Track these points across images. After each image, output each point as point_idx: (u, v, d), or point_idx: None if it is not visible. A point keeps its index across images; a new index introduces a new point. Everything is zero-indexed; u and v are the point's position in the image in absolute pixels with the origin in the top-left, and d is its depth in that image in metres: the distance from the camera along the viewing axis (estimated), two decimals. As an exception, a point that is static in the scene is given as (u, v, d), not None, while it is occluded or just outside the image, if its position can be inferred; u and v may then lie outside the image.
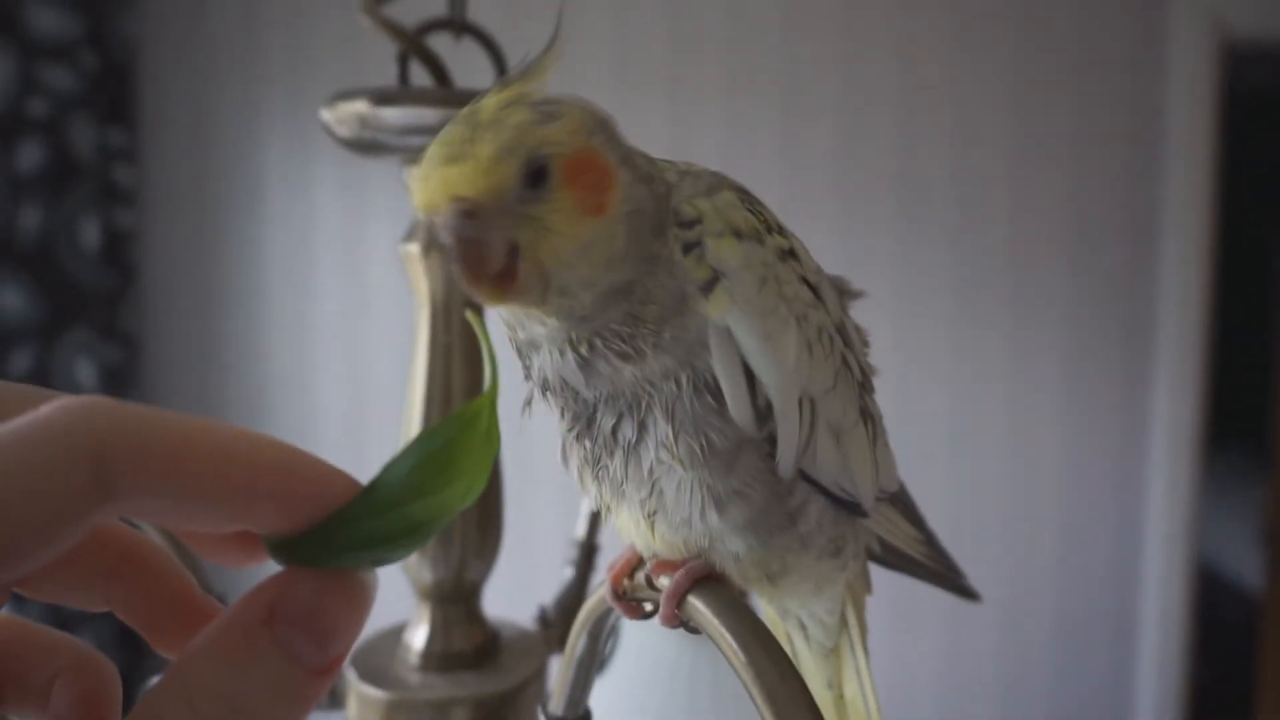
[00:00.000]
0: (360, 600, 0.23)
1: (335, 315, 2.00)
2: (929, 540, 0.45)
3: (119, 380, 1.97)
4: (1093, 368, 1.95)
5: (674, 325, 0.34)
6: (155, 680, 0.22)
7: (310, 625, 0.22)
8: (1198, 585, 2.04)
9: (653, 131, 1.83)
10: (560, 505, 1.58)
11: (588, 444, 0.36)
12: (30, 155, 1.84)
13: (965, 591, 0.46)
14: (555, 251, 0.32)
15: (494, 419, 0.25)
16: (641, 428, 0.34)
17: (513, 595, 0.79)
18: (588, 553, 0.69)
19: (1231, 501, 2.76)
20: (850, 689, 0.44)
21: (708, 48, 1.89)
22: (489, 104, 0.32)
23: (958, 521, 1.93)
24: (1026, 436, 1.95)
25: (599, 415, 0.35)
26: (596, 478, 0.37)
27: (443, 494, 0.24)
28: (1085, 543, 1.97)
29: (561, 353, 0.34)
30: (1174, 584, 1.96)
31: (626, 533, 0.38)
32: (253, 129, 2.02)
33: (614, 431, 0.35)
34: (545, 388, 0.36)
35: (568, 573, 0.68)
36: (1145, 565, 1.98)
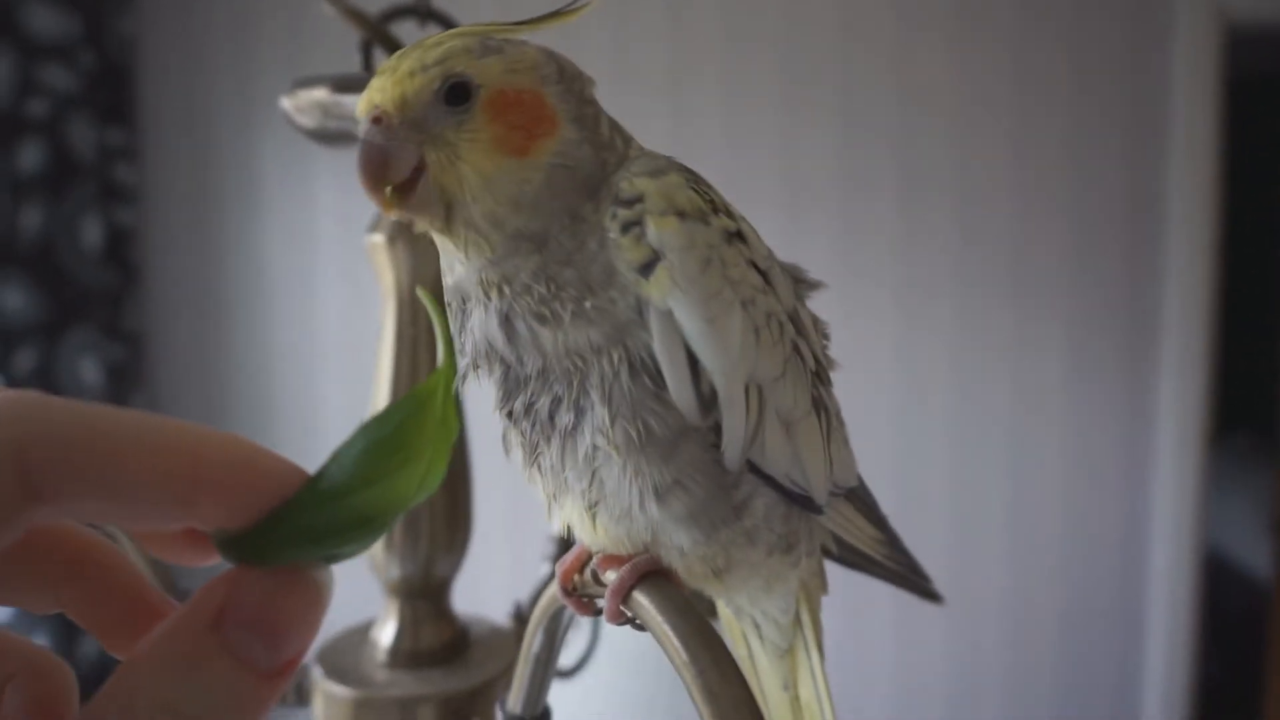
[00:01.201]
0: (314, 598, 0.22)
1: (337, 308, 2.01)
2: (890, 541, 0.43)
3: (124, 378, 1.97)
4: (1098, 355, 1.93)
5: (599, 297, 0.33)
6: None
7: (261, 626, 0.21)
8: (1206, 574, 2.02)
9: (653, 124, 1.81)
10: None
11: (525, 428, 0.35)
12: (31, 155, 1.84)
13: (928, 594, 0.45)
14: (460, 178, 0.32)
15: (449, 400, 0.23)
16: (579, 411, 0.33)
17: (496, 592, 0.78)
18: (565, 549, 0.68)
19: (1240, 489, 2.74)
20: (806, 690, 0.43)
21: (707, 39, 1.88)
22: (445, 33, 0.33)
23: (963, 511, 1.93)
24: (1032, 424, 1.93)
25: (533, 394, 0.34)
26: (537, 467, 0.35)
27: (394, 481, 0.23)
28: (1092, 532, 1.96)
29: (485, 306, 0.34)
30: (1182, 572, 1.95)
31: (573, 527, 0.37)
32: (251, 126, 2.02)
33: (551, 416, 0.34)
34: (476, 358, 0.35)
35: (544, 569, 0.67)
36: (1153, 554, 1.96)
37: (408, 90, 0.32)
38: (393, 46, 0.58)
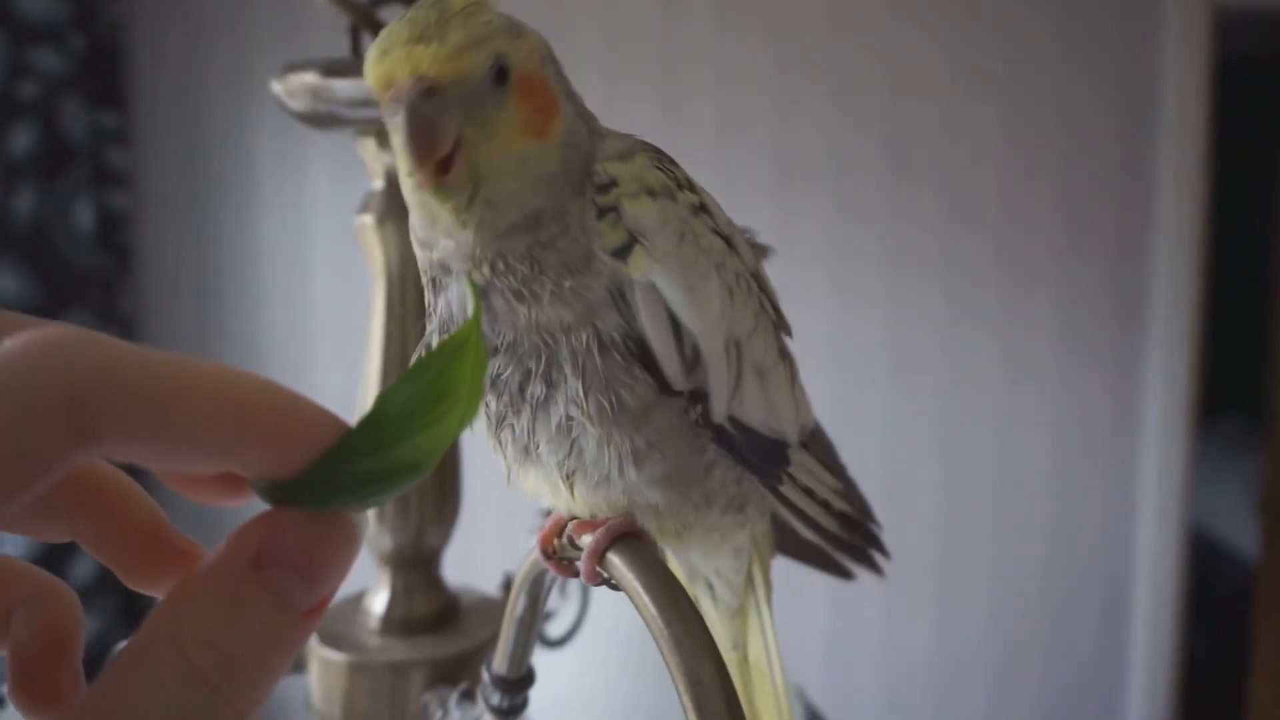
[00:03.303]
0: (349, 539, 0.23)
1: (330, 291, 2.02)
2: (847, 490, 0.45)
3: (116, 362, 1.98)
4: (1086, 338, 1.94)
5: (576, 280, 0.34)
6: (121, 646, 0.21)
7: (301, 566, 0.22)
8: (1193, 555, 2.03)
9: (644, 111, 1.82)
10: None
11: (492, 402, 0.36)
12: (22, 139, 1.85)
13: (870, 563, 0.46)
14: (493, 158, 0.33)
15: (480, 341, 0.24)
16: (550, 384, 0.35)
17: (488, 564, 0.80)
18: (554, 521, 0.69)
19: (1228, 470, 2.76)
20: (755, 649, 0.45)
21: (698, 26, 1.88)
22: (475, 16, 0.32)
23: (951, 493, 1.94)
24: (1020, 406, 1.95)
25: (500, 367, 0.35)
26: (500, 439, 0.37)
27: (443, 423, 0.23)
28: (1079, 513, 1.98)
29: (462, 273, 0.34)
30: (1168, 554, 1.96)
31: (536, 494, 0.39)
32: (244, 109, 2.02)
33: (521, 389, 0.35)
34: (446, 326, 0.36)
35: (533, 541, 0.69)
36: (1139, 535, 1.98)
37: (464, 67, 0.31)
38: (380, 31, 0.59)
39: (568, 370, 0.35)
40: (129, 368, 0.20)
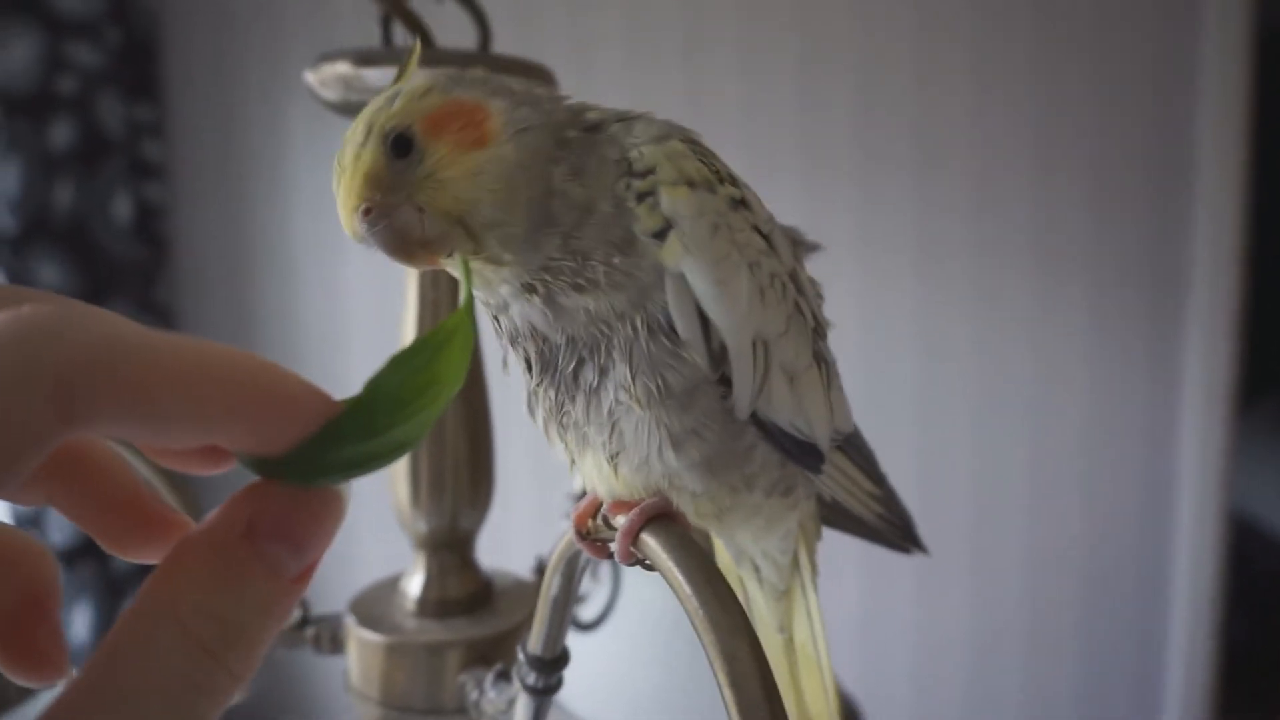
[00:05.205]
0: (335, 510, 0.23)
1: (363, 279, 2.03)
2: (887, 498, 0.45)
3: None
4: (1122, 317, 1.91)
5: (624, 260, 0.35)
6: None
7: (289, 537, 0.22)
8: (1235, 538, 1.99)
9: (669, 97, 1.81)
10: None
11: (551, 392, 0.37)
12: (61, 132, 1.88)
13: (911, 543, 0.46)
14: (453, 193, 0.33)
15: (469, 328, 0.25)
16: (602, 371, 0.35)
17: (520, 548, 0.81)
18: (586, 505, 0.70)
19: (1270, 451, 2.70)
20: (801, 632, 0.46)
21: (723, 14, 1.86)
22: (354, 128, 0.35)
23: (985, 477, 1.92)
24: (1053, 387, 1.92)
25: (560, 360, 0.36)
26: (561, 424, 0.38)
27: (431, 408, 0.24)
28: (1116, 496, 1.95)
29: (528, 296, 0.35)
30: (1207, 536, 1.93)
31: (590, 480, 0.39)
32: (277, 100, 2.04)
33: (575, 375, 0.36)
34: (515, 338, 0.37)
35: (565, 525, 0.69)
36: (1178, 518, 1.95)
37: (365, 170, 0.33)
38: (410, 20, 0.60)
39: (617, 356, 0.35)
40: (118, 348, 0.20)
